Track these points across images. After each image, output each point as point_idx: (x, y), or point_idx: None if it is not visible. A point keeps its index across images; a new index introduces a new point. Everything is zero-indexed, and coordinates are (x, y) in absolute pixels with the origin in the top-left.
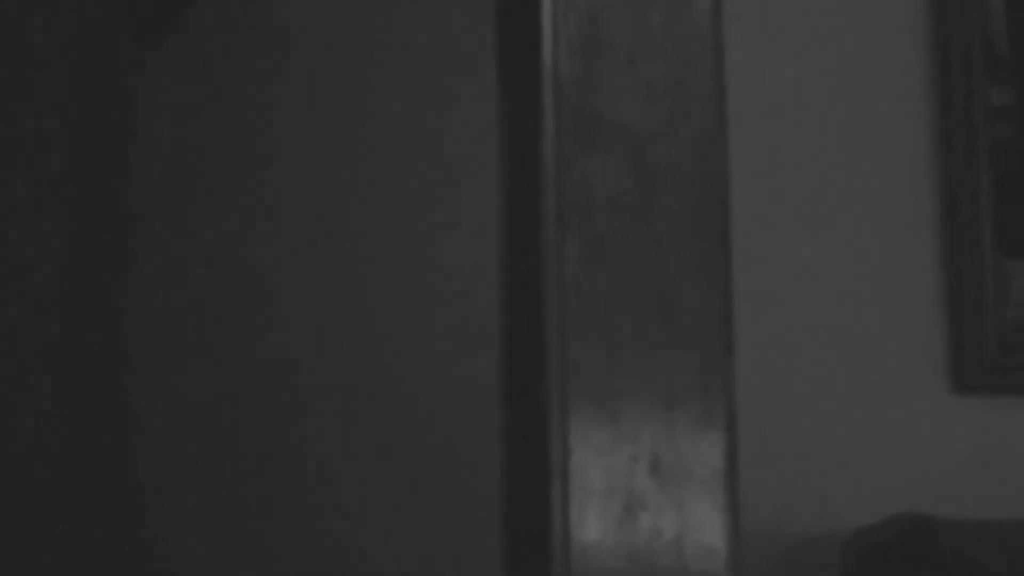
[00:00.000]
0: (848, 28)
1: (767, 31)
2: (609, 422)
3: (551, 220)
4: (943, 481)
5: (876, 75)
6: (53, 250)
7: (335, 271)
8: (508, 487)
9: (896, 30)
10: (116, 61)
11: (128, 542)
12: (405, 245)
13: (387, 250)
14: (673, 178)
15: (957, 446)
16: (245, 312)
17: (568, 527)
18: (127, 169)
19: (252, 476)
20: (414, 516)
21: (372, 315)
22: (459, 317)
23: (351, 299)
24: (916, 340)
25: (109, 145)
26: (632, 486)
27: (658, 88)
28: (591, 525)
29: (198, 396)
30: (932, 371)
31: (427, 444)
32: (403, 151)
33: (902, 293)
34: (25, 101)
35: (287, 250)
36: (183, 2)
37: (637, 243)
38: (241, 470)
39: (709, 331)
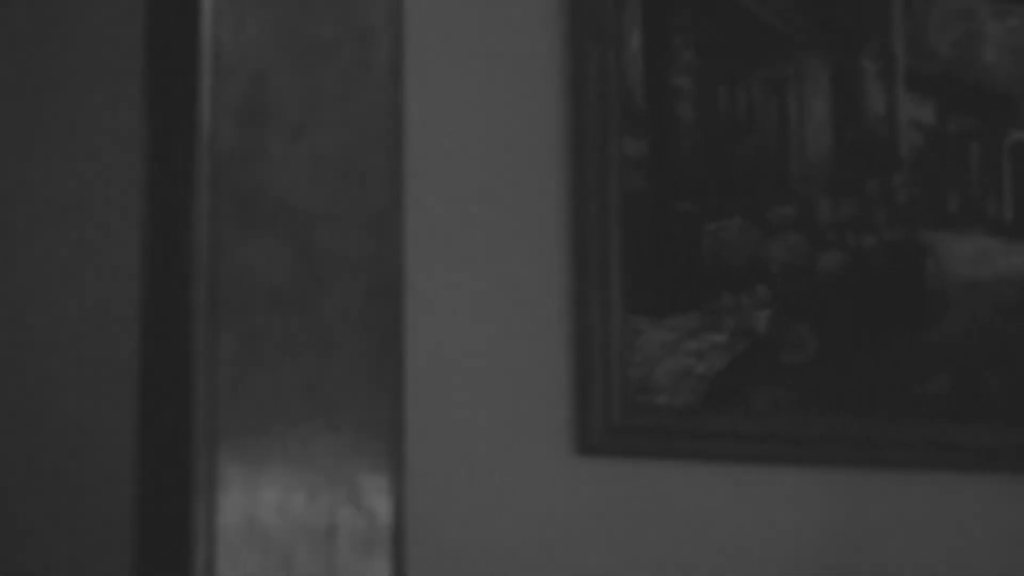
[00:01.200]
0: (484, 72)
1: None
2: (261, 550)
3: (203, 314)
4: (566, 544)
5: (509, 121)
6: None
7: None
8: None
9: (531, 75)
10: None
11: None
12: (40, 337)
13: (32, 342)
14: (342, 266)
15: (580, 508)
16: None
17: None
18: None
19: None
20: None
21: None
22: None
23: None
24: (541, 400)
25: None
26: None
27: (328, 163)
28: None
29: None
30: (556, 432)
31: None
32: (50, 215)
33: (527, 350)
34: None
35: None
36: None
37: (300, 341)
38: None
39: (378, 440)
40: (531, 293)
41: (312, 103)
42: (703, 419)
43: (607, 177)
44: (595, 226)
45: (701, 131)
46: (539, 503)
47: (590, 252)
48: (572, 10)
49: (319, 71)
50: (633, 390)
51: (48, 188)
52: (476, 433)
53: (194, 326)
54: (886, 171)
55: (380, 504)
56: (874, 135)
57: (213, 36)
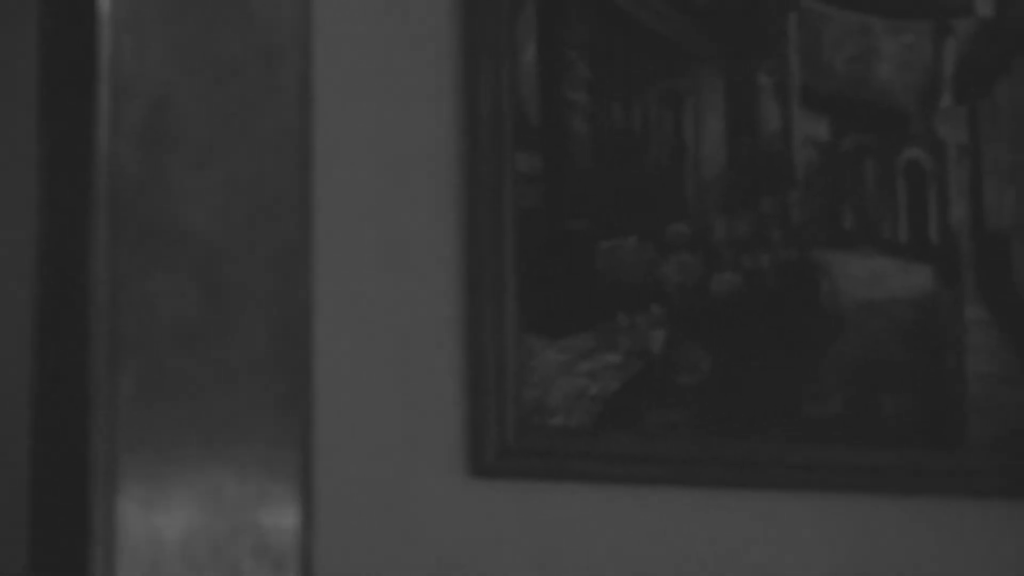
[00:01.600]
0: (376, 86)
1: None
2: None
3: (101, 351)
4: (460, 568)
5: (401, 138)
6: None
7: None
8: None
9: (422, 89)
10: None
11: None
12: None
13: None
14: (249, 301)
15: (474, 531)
16: None
17: None
18: None
19: None
20: None
21: None
22: None
23: None
24: (433, 421)
25: None
26: None
27: (235, 191)
28: None
29: None
30: (449, 454)
31: None
32: None
33: (420, 371)
34: None
35: None
36: None
37: (204, 380)
38: None
39: (285, 483)
40: (423, 312)
41: (217, 126)
42: (597, 441)
43: (501, 194)
44: (488, 244)
45: (596, 147)
46: (433, 526)
47: (483, 271)
48: (465, 23)
49: (225, 92)
50: (527, 411)
51: None
52: (368, 455)
53: (92, 363)
54: (781, 189)
55: (286, 550)
56: (769, 152)
57: (112, 53)
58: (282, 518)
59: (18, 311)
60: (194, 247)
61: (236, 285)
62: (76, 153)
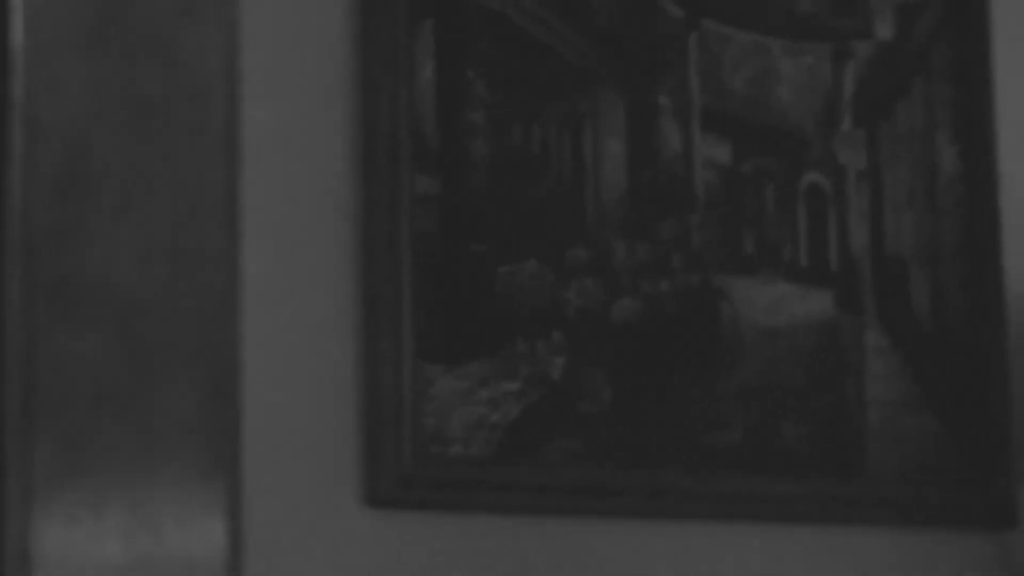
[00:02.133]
0: (269, 108)
1: None
2: None
3: (15, 414)
4: None
5: (297, 157)
6: None
7: None
8: None
9: (318, 109)
10: None
11: None
12: None
13: None
14: (174, 360)
15: (370, 563)
16: None
17: None
18: None
19: None
20: None
21: None
22: None
23: None
24: (328, 450)
25: None
26: None
27: (158, 239)
28: None
29: None
30: (344, 483)
31: None
32: None
33: (314, 398)
34: None
35: None
36: None
37: (125, 447)
38: None
39: (214, 554)
40: (318, 339)
41: (138, 173)
42: (497, 470)
43: (397, 217)
44: (385, 268)
45: (495, 169)
46: (328, 558)
47: (380, 296)
48: (362, 40)
49: (147, 133)
50: (425, 441)
51: None
52: (262, 487)
53: (5, 428)
54: (682, 213)
55: None
56: (670, 175)
57: (26, 94)
58: None
59: None
60: (114, 301)
61: (159, 343)
62: None
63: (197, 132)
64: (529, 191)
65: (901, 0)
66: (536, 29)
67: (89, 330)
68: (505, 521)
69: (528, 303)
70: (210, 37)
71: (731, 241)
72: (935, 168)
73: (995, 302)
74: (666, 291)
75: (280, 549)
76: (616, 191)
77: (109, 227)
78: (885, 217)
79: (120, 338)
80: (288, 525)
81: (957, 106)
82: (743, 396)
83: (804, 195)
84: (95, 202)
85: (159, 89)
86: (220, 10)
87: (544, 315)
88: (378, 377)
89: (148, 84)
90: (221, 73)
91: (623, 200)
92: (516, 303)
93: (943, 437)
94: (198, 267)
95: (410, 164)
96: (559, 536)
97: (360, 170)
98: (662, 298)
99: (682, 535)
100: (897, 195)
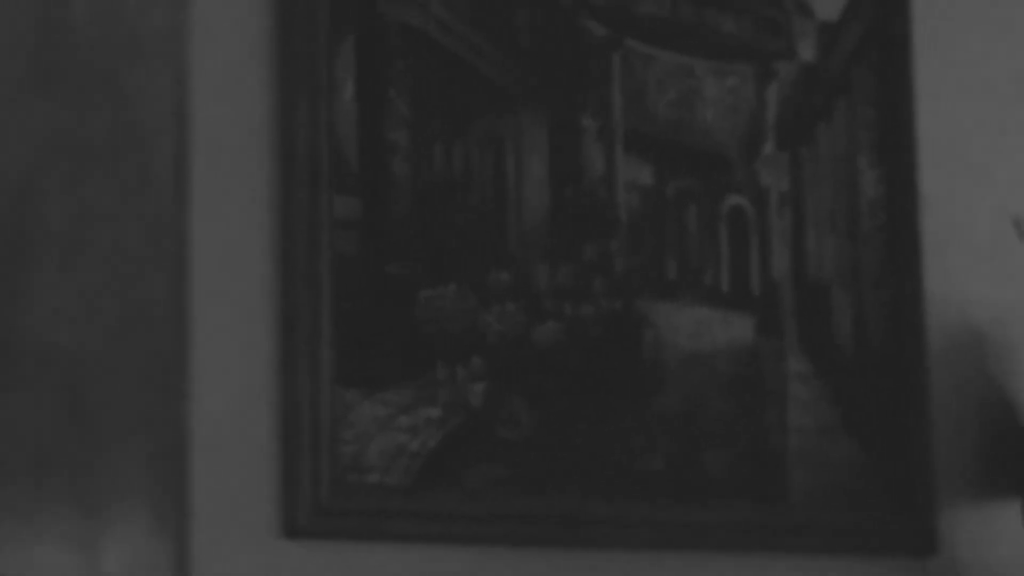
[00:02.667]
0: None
1: None
2: None
3: None
4: None
5: (214, 179)
6: None
7: None
8: None
9: (235, 129)
10: None
11: None
12: None
13: None
14: (120, 421)
15: None
16: None
17: None
18: None
19: None
20: None
21: None
22: None
23: None
24: (244, 479)
25: None
26: None
27: (104, 295)
28: None
29: None
30: (260, 513)
31: None
32: None
33: (230, 425)
34: None
35: None
36: None
37: (69, 513)
38: None
39: None
40: (234, 365)
41: (85, 225)
42: (416, 499)
43: (316, 239)
44: (304, 292)
45: (416, 191)
46: None
47: (298, 320)
48: (281, 57)
49: (91, 184)
50: (343, 469)
51: None
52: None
53: None
54: (604, 236)
55: None
56: (593, 197)
57: None
58: None
59: None
60: (57, 361)
61: (104, 404)
62: None
63: (145, 179)
64: (451, 214)
65: (823, 21)
66: (458, 48)
67: (30, 390)
68: (425, 551)
69: (449, 327)
70: (156, 77)
71: (654, 265)
72: (857, 191)
73: (917, 327)
74: (588, 315)
75: None
76: (538, 213)
77: (52, 282)
78: (807, 241)
79: (63, 398)
80: (206, 558)
81: (879, 128)
82: (665, 422)
83: (727, 218)
84: (38, 258)
85: (105, 133)
86: (166, 46)
87: (465, 340)
88: (296, 404)
89: (94, 128)
90: (168, 115)
91: (545, 222)
92: (437, 328)
93: (865, 463)
94: (145, 324)
95: (329, 186)
96: (480, 566)
97: (279, 192)
98: (584, 322)
99: (604, 563)
100: (819, 218)
